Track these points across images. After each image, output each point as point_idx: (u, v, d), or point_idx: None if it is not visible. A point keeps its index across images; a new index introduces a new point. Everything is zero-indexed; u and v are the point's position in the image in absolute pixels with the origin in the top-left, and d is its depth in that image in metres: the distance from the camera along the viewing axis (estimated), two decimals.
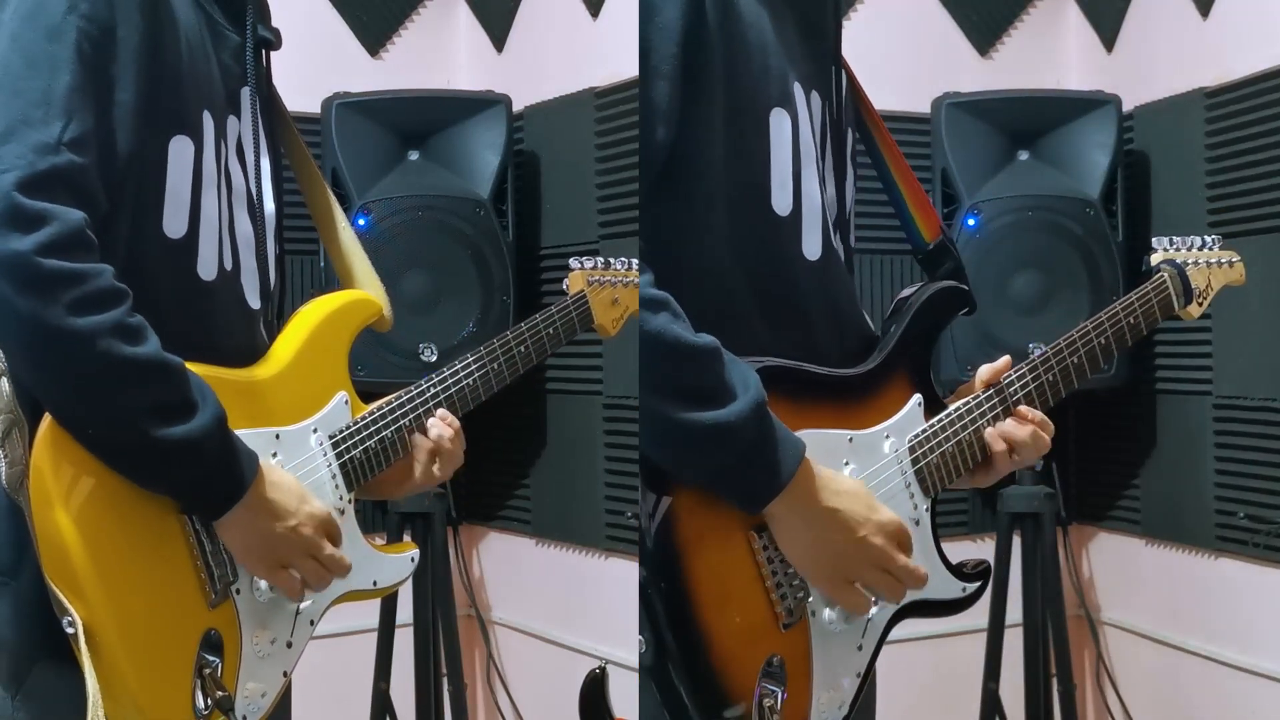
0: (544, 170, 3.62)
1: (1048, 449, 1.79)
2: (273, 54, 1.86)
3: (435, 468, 1.87)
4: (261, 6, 1.83)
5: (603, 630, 3.37)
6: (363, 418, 1.83)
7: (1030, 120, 3.44)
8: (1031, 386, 1.79)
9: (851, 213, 1.82)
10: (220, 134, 1.73)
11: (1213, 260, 1.95)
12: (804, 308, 1.70)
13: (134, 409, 1.54)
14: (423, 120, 3.46)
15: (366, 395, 1.87)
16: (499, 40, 3.81)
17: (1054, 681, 3.32)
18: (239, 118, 1.78)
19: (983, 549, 3.56)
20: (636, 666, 1.58)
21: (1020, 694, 3.31)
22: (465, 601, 3.75)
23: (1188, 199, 3.35)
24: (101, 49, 1.59)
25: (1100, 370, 1.86)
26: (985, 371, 1.79)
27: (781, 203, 1.67)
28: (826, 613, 1.63)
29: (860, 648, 1.67)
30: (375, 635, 3.38)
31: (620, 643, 3.15)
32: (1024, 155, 3.44)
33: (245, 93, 1.79)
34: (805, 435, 1.59)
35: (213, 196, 1.71)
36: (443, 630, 3.36)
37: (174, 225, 1.67)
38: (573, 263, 2.14)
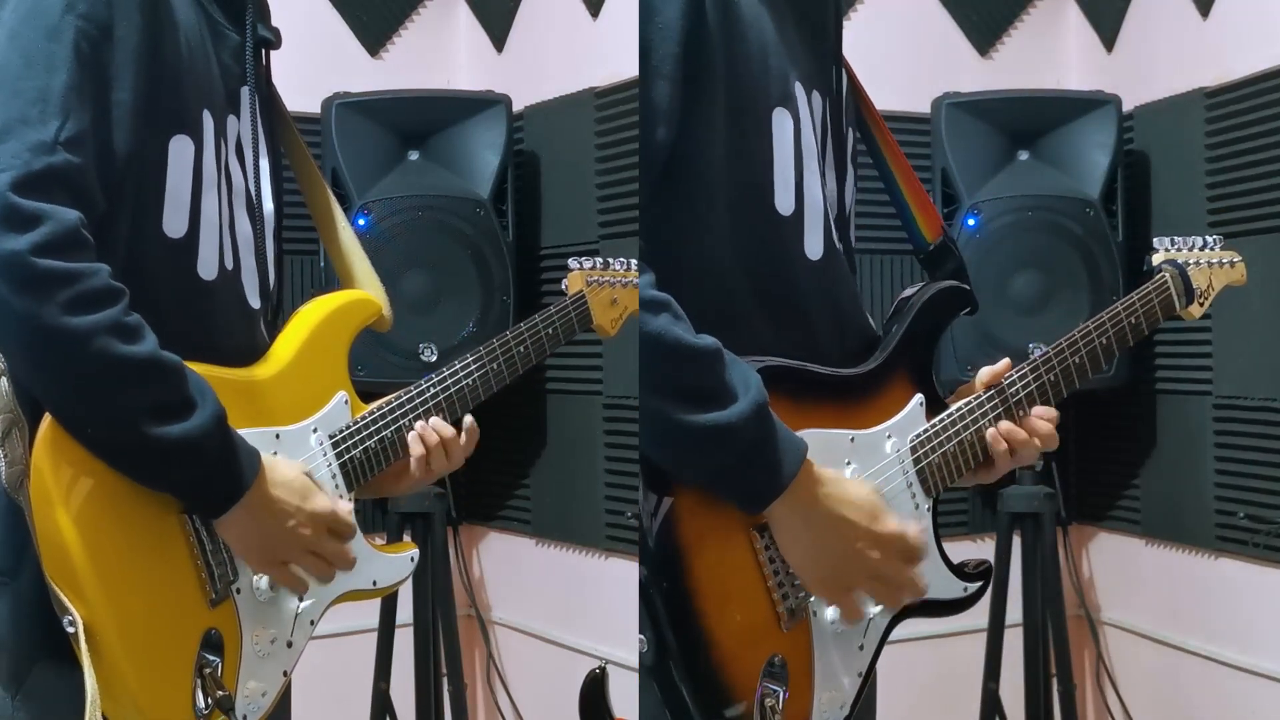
0: (544, 170, 3.62)
1: (1054, 446, 1.79)
2: (273, 54, 1.86)
3: (431, 463, 1.87)
4: (261, 6, 1.83)
5: (603, 630, 3.37)
6: (362, 417, 1.83)
7: (1030, 120, 3.44)
8: (1033, 387, 1.79)
9: (852, 212, 1.82)
10: (220, 133, 1.73)
11: (1214, 260, 1.95)
12: (805, 308, 1.70)
13: (132, 407, 1.54)
14: (423, 120, 3.46)
15: (366, 395, 1.87)
16: (499, 40, 3.80)
17: (1054, 681, 3.32)
18: (239, 117, 1.78)
19: (983, 549, 3.56)
20: (636, 666, 1.58)
21: (1020, 694, 3.31)
22: (465, 601, 3.75)
23: (1188, 199, 3.35)
24: (100, 48, 1.58)
25: (1101, 370, 1.86)
26: (985, 374, 1.79)
27: (783, 202, 1.66)
28: (828, 612, 1.63)
29: (861, 647, 1.67)
30: (375, 635, 3.38)
31: (620, 643, 3.15)
32: (1024, 155, 3.44)
33: (245, 92, 1.79)
34: (807, 435, 1.59)
35: (213, 196, 1.71)
36: (443, 630, 3.36)
37: (174, 225, 1.67)
38: (572, 263, 2.14)
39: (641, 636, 1.55)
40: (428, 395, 1.88)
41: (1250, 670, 3.24)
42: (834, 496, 1.60)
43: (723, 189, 1.63)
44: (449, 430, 1.87)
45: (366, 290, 1.93)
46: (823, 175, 1.72)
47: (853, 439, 1.67)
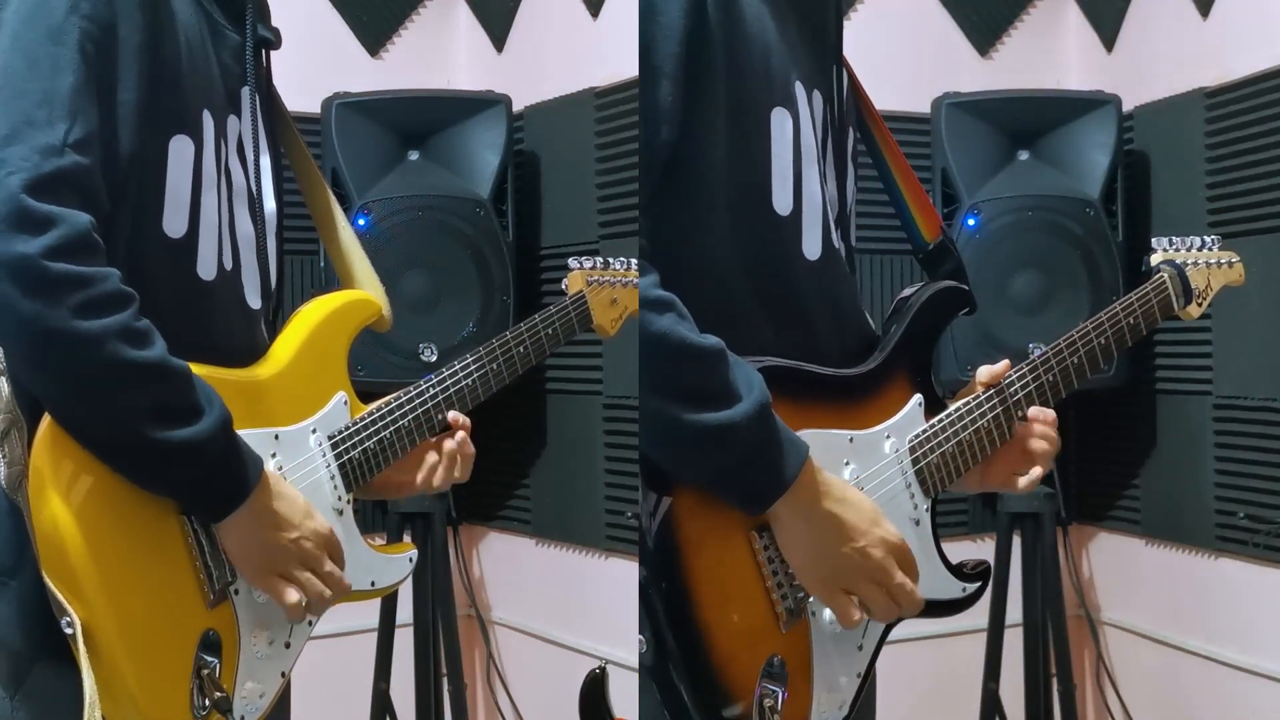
0: (544, 170, 3.62)
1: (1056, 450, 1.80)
2: (273, 54, 1.86)
3: (438, 475, 1.87)
4: (261, 6, 1.83)
5: (603, 630, 3.37)
6: (362, 418, 1.83)
7: (1030, 120, 3.44)
8: (1032, 387, 1.79)
9: (852, 212, 1.82)
10: (220, 133, 1.73)
11: (1212, 260, 1.95)
12: (805, 307, 1.70)
13: (139, 413, 1.53)
14: (423, 120, 3.46)
15: (366, 395, 1.87)
16: (499, 40, 3.80)
17: (1054, 681, 3.32)
18: (239, 117, 1.78)
19: (983, 549, 3.56)
20: (636, 666, 1.58)
21: (1020, 694, 3.31)
22: (465, 601, 3.75)
23: (1188, 199, 3.35)
24: (103, 49, 1.58)
25: (1100, 370, 1.86)
26: (984, 373, 1.79)
27: (783, 202, 1.66)
28: (827, 613, 1.63)
29: (861, 648, 1.67)
30: (375, 635, 3.38)
31: (620, 643, 3.15)
32: (1024, 155, 3.44)
33: (245, 92, 1.79)
34: (806, 435, 1.59)
35: (213, 196, 1.71)
36: (443, 630, 3.36)
37: (174, 225, 1.67)
38: (572, 263, 2.14)
39: (641, 637, 1.55)
40: (427, 395, 1.88)
41: (1250, 670, 3.24)
42: (836, 499, 1.60)
43: (723, 189, 1.63)
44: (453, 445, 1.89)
45: (366, 290, 1.93)
46: (822, 175, 1.71)
47: (851, 439, 1.67)
